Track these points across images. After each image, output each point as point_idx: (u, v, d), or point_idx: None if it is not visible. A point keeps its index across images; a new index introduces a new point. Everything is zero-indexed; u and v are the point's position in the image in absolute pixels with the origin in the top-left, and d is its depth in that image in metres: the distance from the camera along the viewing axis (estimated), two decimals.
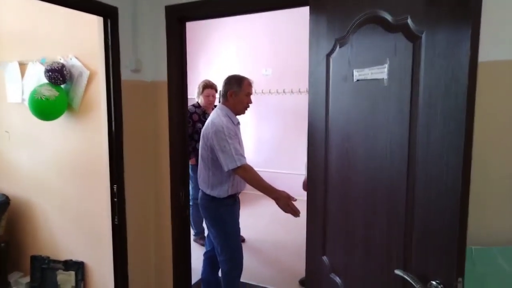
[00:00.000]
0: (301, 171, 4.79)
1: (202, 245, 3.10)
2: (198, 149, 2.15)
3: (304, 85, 4.43)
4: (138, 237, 1.96)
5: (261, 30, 4.94)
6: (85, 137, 2.11)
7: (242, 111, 2.12)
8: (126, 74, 1.81)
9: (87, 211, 2.16)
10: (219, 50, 5.17)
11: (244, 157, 1.94)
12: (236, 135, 1.98)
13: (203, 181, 2.05)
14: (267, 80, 4.81)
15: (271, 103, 4.76)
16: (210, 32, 5.17)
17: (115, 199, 1.81)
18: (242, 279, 2.59)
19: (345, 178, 1.31)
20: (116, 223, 1.82)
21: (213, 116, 2.06)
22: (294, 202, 1.89)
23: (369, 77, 1.15)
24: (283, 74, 4.71)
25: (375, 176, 1.16)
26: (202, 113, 3.12)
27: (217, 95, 3.25)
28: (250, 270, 2.70)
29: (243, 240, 3.39)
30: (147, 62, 1.92)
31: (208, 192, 2.02)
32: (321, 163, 1.44)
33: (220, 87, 2.20)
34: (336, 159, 1.35)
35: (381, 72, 1.10)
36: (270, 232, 3.73)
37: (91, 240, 2.19)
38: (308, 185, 1.55)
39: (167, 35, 1.85)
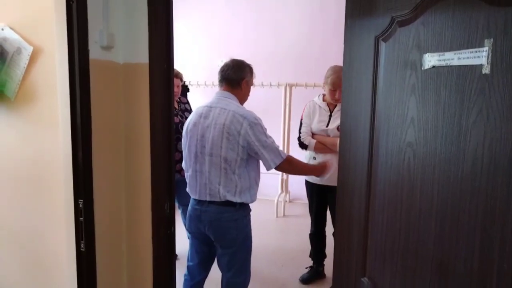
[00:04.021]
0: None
1: None
2: None
3: (266, 78, 4.22)
4: (109, 266, 1.52)
5: (215, 16, 4.60)
6: (28, 136, 1.57)
7: (242, 104, 1.82)
8: (94, 52, 1.36)
9: (33, 234, 1.63)
10: None
11: None
12: None
13: (224, 188, 1.67)
14: None
15: None
16: None
17: (81, 218, 1.35)
18: None
19: (403, 190, 1.09)
20: (83, 249, 1.37)
21: (226, 106, 1.69)
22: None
23: (454, 63, 0.94)
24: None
25: (457, 188, 0.95)
26: None
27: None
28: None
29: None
30: (121, 37, 1.48)
31: (235, 200, 1.67)
32: (362, 170, 1.20)
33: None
34: (388, 167, 1.13)
35: (476, 57, 0.89)
36: None
37: (38, 271, 1.66)
38: (338, 192, 1.31)
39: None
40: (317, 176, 2.12)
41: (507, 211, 0.85)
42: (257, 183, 1.78)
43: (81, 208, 1.34)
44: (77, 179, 1.33)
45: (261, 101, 3.95)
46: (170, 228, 1.60)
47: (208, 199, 1.71)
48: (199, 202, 1.76)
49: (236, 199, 1.67)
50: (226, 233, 1.71)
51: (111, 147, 1.51)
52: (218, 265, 1.82)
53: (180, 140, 2.68)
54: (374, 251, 1.20)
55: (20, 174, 1.56)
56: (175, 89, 2.67)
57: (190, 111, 2.89)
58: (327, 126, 2.38)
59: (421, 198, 1.04)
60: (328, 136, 2.37)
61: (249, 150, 1.65)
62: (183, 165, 1.88)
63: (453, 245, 0.98)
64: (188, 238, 3.19)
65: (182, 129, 2.67)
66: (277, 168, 1.71)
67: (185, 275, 1.93)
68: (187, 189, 1.85)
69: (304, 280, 2.64)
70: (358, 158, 1.21)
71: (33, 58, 1.54)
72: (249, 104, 1.91)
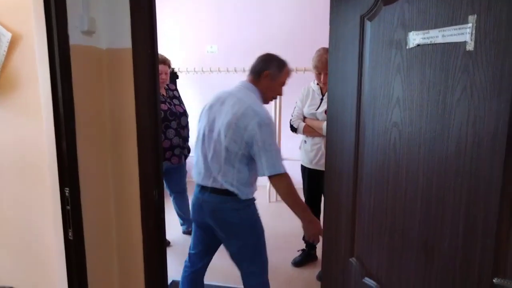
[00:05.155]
0: None
1: None
2: None
3: None
4: (99, 254, 1.52)
5: (203, 2, 4.50)
6: (10, 125, 1.54)
7: (268, 101, 1.75)
8: (75, 37, 1.33)
9: (19, 223, 1.61)
10: None
11: None
12: None
13: (222, 178, 1.61)
14: (213, 57, 4.42)
15: (218, 83, 4.39)
16: None
17: (68, 207, 1.34)
18: (213, 282, 2.30)
19: (389, 171, 1.09)
20: (71, 238, 1.36)
21: (244, 97, 1.60)
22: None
23: (439, 40, 0.93)
24: (230, 51, 4.37)
25: (442, 167, 0.95)
26: None
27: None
28: (218, 270, 2.37)
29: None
30: (102, 22, 1.44)
31: (232, 189, 1.61)
32: (349, 153, 1.20)
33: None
34: (375, 148, 1.12)
35: (460, 34, 0.88)
36: None
37: (24, 260, 1.65)
38: (325, 176, 1.31)
39: None
40: (308, 230, 1.72)
41: (490, 189, 0.86)
42: (255, 182, 1.72)
43: (68, 197, 1.33)
44: (62, 167, 1.31)
45: None
46: (160, 215, 1.59)
47: (210, 184, 1.66)
48: (201, 189, 1.71)
49: (234, 190, 1.62)
50: (228, 224, 1.67)
51: (96, 134, 1.49)
52: (231, 258, 1.79)
53: (170, 127, 2.67)
54: (361, 233, 1.21)
55: (4, 163, 1.54)
56: (164, 76, 2.64)
57: (178, 98, 2.86)
58: (316, 109, 2.38)
59: (407, 178, 1.05)
60: (317, 119, 2.37)
61: (250, 148, 1.56)
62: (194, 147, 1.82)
63: (438, 223, 0.98)
64: (181, 225, 3.21)
65: (171, 116, 2.66)
66: (271, 181, 1.60)
67: (185, 261, 1.91)
68: (192, 173, 1.80)
69: (296, 263, 2.68)
70: (345, 140, 1.21)
71: (12, 45, 1.49)
72: None
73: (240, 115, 1.55)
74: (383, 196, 1.12)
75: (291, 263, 2.69)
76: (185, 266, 1.90)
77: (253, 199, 1.74)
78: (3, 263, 1.68)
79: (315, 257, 2.72)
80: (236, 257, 1.75)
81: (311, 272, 2.59)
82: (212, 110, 1.69)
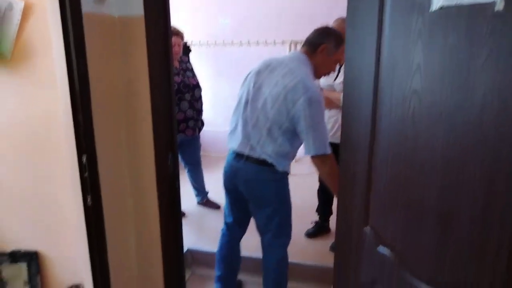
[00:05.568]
0: None
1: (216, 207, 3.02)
2: None
3: (270, 35, 4.09)
4: (117, 219, 1.57)
5: None
6: (26, 95, 1.56)
7: (320, 76, 1.71)
8: (87, 4, 1.31)
9: (38, 190, 1.67)
10: None
11: None
12: None
13: (261, 148, 1.57)
14: (226, 30, 4.33)
15: (231, 56, 4.33)
16: None
17: (85, 174, 1.37)
18: None
19: (407, 140, 1.07)
20: (90, 204, 1.40)
21: (296, 69, 1.54)
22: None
23: (465, 1, 0.87)
24: (243, 23, 4.27)
25: (463, 137, 0.92)
26: None
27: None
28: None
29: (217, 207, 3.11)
30: None
31: (270, 160, 1.59)
32: (366, 122, 1.17)
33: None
34: (393, 117, 1.10)
35: None
36: None
37: (46, 225, 1.72)
38: (340, 146, 1.30)
39: None
40: None
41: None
42: (293, 157, 1.70)
43: (85, 164, 1.36)
44: (79, 134, 1.33)
45: None
46: (175, 184, 1.62)
47: (246, 152, 1.63)
48: (236, 156, 1.68)
49: (272, 161, 1.59)
50: (262, 194, 1.66)
51: (110, 102, 1.50)
52: (257, 227, 1.79)
53: (184, 100, 2.66)
54: (377, 202, 1.20)
55: (20, 133, 1.58)
56: (177, 48, 2.61)
57: (192, 70, 2.84)
58: (334, 80, 2.33)
59: (426, 148, 1.02)
60: (335, 90, 2.32)
61: (297, 124, 1.51)
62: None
63: (457, 195, 0.96)
64: (196, 196, 3.27)
65: (184, 88, 2.65)
66: (313, 160, 1.57)
67: (222, 229, 1.91)
68: (227, 139, 1.76)
69: (310, 234, 2.71)
70: (362, 109, 1.18)
71: (25, 14, 1.49)
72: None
73: (291, 88, 1.50)
74: (400, 165, 1.10)
75: (304, 234, 2.72)
76: (223, 234, 1.90)
77: (288, 173, 1.71)
78: (28, 229, 1.76)
79: (328, 229, 2.75)
80: (262, 228, 1.74)
81: (324, 244, 2.63)
82: (259, 76, 1.63)
